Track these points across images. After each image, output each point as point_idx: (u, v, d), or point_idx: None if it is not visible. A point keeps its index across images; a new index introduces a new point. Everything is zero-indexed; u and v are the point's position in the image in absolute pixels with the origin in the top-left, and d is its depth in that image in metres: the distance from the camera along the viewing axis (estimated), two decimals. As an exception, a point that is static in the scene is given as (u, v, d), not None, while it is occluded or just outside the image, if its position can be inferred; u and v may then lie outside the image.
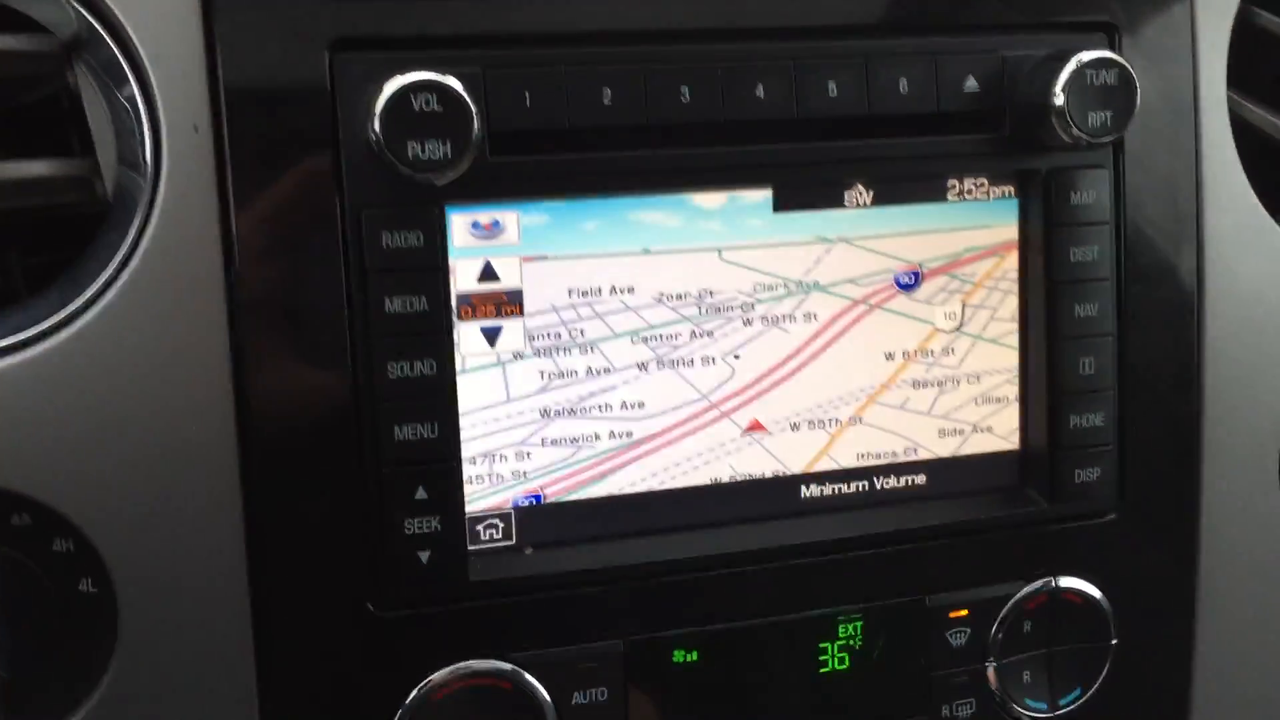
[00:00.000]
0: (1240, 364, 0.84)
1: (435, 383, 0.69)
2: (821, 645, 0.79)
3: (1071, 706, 0.83)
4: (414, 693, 0.71)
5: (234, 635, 0.68)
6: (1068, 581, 0.82)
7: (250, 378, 0.67)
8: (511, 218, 0.72)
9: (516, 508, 0.75)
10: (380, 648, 0.71)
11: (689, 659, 0.77)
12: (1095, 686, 0.83)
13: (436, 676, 0.72)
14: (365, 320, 0.68)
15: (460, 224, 0.71)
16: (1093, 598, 0.82)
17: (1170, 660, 0.86)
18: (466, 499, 0.73)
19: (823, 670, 0.79)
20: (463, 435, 0.72)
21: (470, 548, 0.73)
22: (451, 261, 0.71)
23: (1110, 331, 0.80)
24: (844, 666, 0.80)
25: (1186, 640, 0.86)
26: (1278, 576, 0.87)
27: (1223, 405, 0.84)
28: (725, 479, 0.78)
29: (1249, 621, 0.87)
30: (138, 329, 0.66)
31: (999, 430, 0.82)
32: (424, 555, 0.70)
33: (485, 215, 0.72)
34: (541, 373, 0.74)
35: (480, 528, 0.74)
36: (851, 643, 0.80)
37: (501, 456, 0.74)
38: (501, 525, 0.74)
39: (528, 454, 0.74)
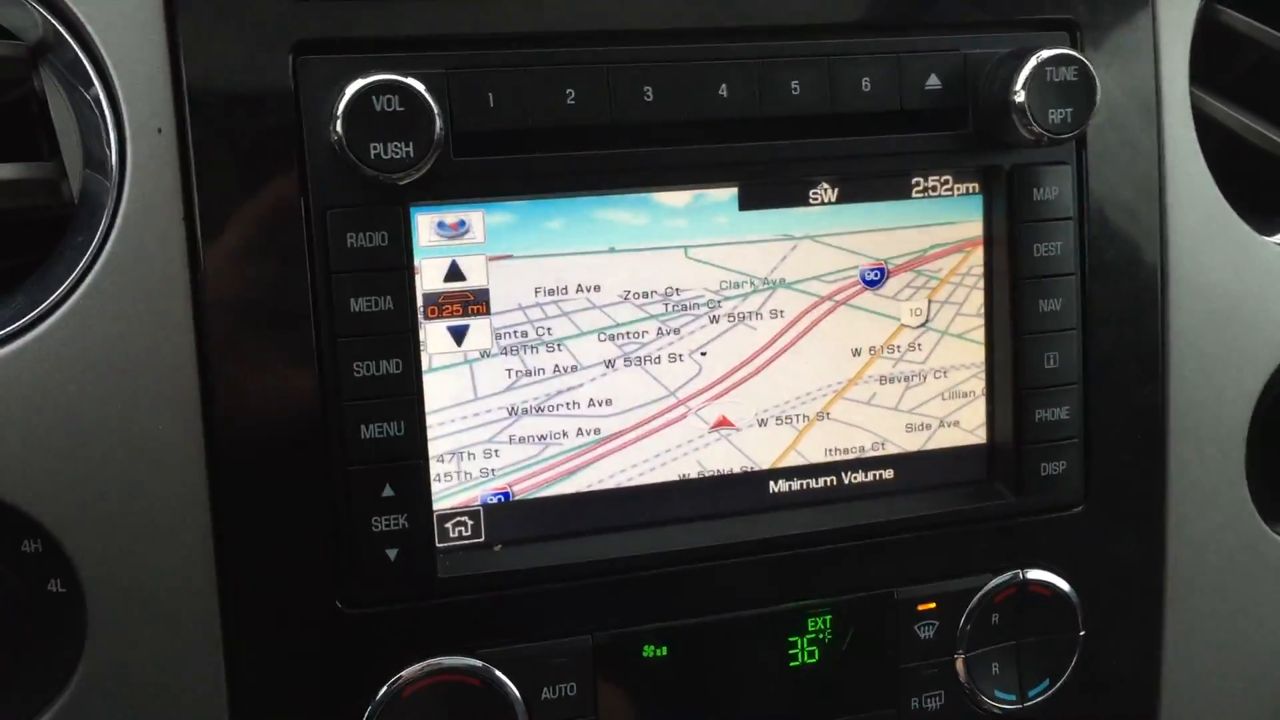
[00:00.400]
0: (1205, 356, 0.85)
1: (401, 381, 0.70)
2: (791, 639, 0.80)
3: (1040, 698, 0.84)
4: (383, 690, 0.72)
5: (203, 633, 0.69)
6: (1036, 574, 0.82)
7: (217, 378, 0.67)
8: (477, 217, 0.73)
9: (485, 505, 0.75)
10: (349, 645, 0.71)
11: (658, 654, 0.77)
12: (1064, 678, 0.84)
13: (406, 673, 0.72)
14: (331, 320, 0.69)
15: (425, 224, 0.72)
16: (1061, 589, 0.83)
17: (1139, 651, 0.87)
18: (434, 497, 0.73)
19: (792, 664, 0.80)
20: (430, 434, 0.72)
21: (439, 545, 0.74)
22: (417, 261, 0.72)
23: (1074, 326, 0.81)
24: (813, 660, 0.80)
25: (1155, 631, 0.86)
26: (1245, 567, 0.87)
27: (1188, 397, 0.84)
28: (693, 475, 0.78)
29: (1217, 612, 0.88)
30: (104, 330, 0.66)
31: (966, 425, 0.83)
32: (392, 553, 0.70)
33: (450, 215, 0.72)
34: (509, 371, 0.74)
35: (449, 525, 0.74)
36: (821, 636, 0.80)
37: (469, 454, 0.74)
38: (470, 523, 0.75)
39: (495, 452, 0.75)
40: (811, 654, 0.80)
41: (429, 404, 0.72)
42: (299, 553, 0.70)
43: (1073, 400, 0.81)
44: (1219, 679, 0.89)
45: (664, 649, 0.77)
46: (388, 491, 0.70)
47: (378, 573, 0.71)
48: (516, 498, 0.76)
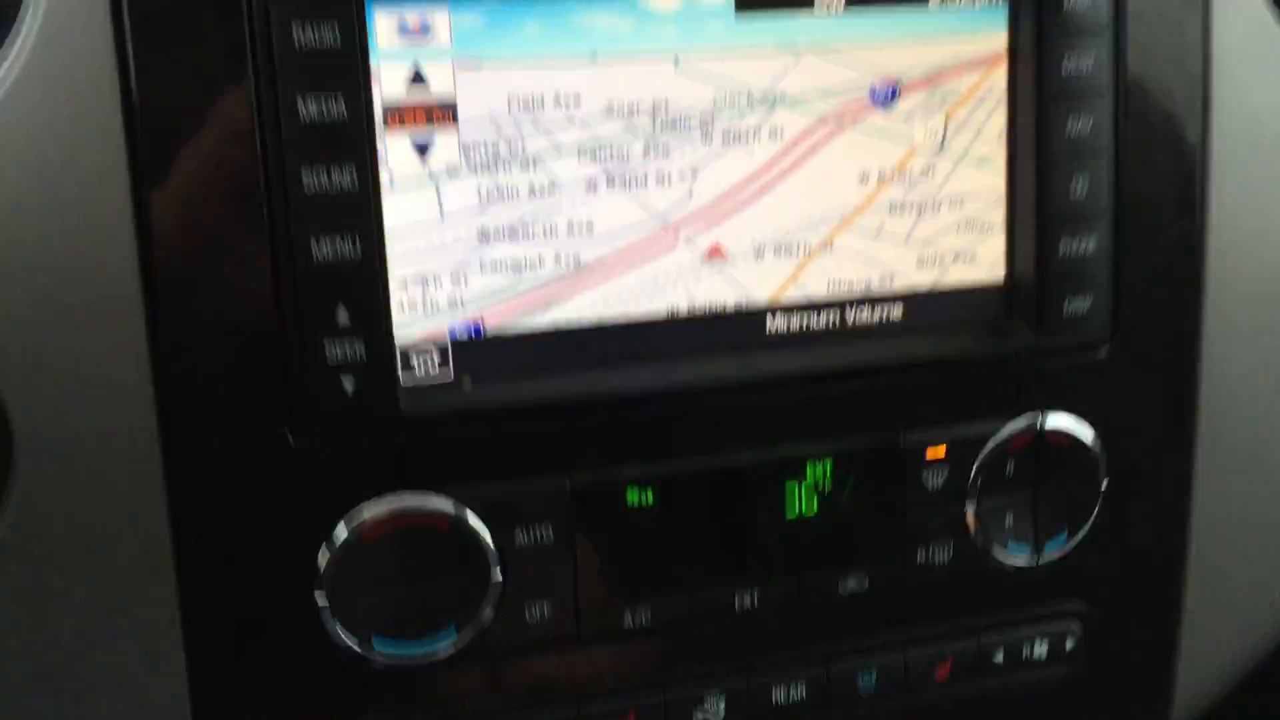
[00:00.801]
0: (1248, 188, 0.77)
1: (357, 195, 0.64)
2: (788, 487, 0.74)
3: (1057, 553, 0.78)
4: (342, 533, 0.67)
5: (143, 466, 0.63)
6: (1055, 420, 0.76)
7: (151, 190, 0.61)
8: (442, 17, 0.66)
9: (454, 338, 0.69)
10: (302, 483, 0.66)
11: (643, 500, 0.72)
12: (1082, 533, 0.78)
13: (367, 516, 0.67)
14: (276, 125, 0.62)
15: (385, 24, 0.65)
16: (1082, 438, 0.77)
17: (1165, 505, 0.81)
18: (398, 327, 0.67)
19: (789, 515, 0.74)
20: (392, 257, 0.66)
21: (403, 380, 0.68)
22: (376, 65, 0.65)
23: (1106, 149, 0.73)
24: (812, 511, 0.75)
25: (1183, 484, 0.80)
26: (1282, 417, 0.81)
27: (1228, 232, 0.77)
28: (683, 310, 0.72)
29: (1250, 465, 0.82)
30: (26, 137, 0.60)
31: (983, 259, 0.76)
32: (348, 383, 0.65)
33: (412, 14, 0.65)
34: (479, 190, 0.68)
35: (414, 359, 0.69)
36: (820, 485, 0.74)
37: (436, 281, 0.68)
38: (438, 357, 0.69)
39: (465, 279, 0.69)
40: (810, 504, 0.75)
41: (390, 224, 0.66)
42: (245, 380, 0.64)
43: (1101, 231, 0.74)
44: (1252, 536, 0.83)
45: (649, 495, 0.72)
46: (342, 316, 0.64)
47: (333, 405, 0.65)
48: (488, 330, 0.69)
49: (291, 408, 0.65)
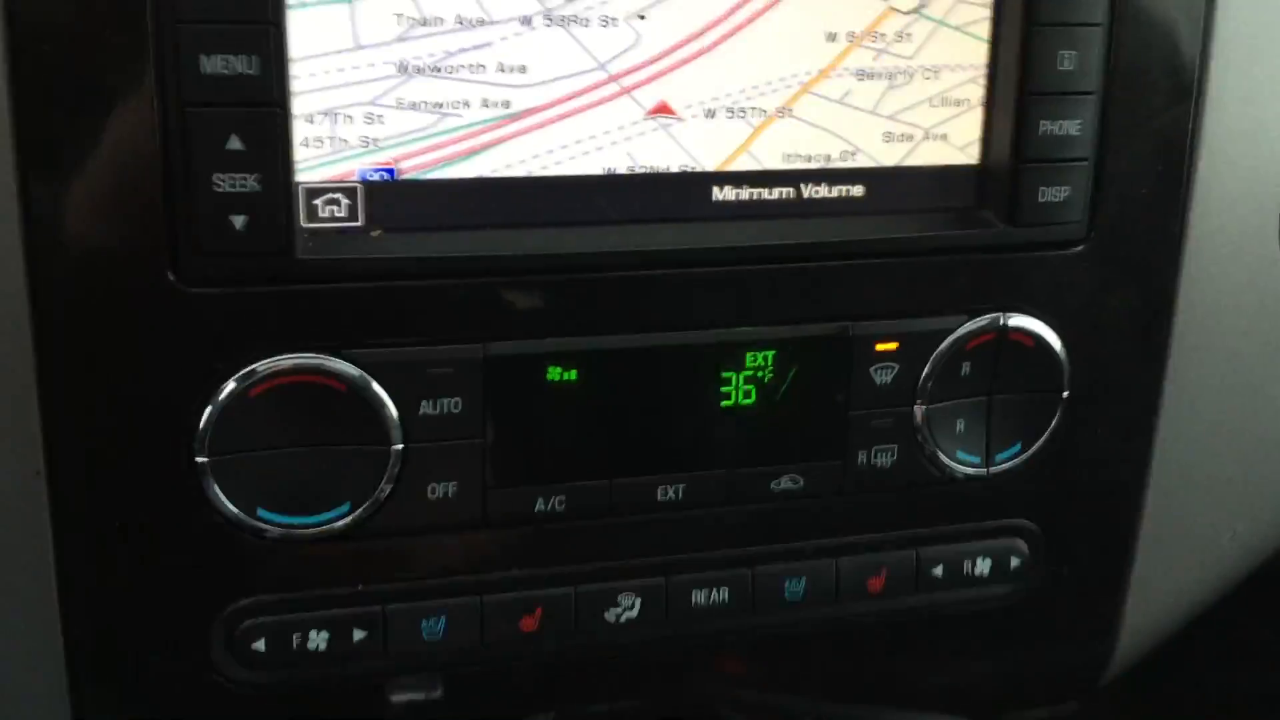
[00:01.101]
0: (1250, 78, 0.71)
1: (255, 4, 0.56)
2: (725, 375, 0.68)
3: (1008, 463, 0.73)
4: (227, 387, 0.60)
5: (6, 309, 0.57)
6: (1019, 320, 0.70)
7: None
8: None
9: (364, 181, 0.62)
10: (184, 330, 0.59)
11: (566, 377, 0.65)
12: (1038, 444, 0.73)
13: (260, 367, 0.60)
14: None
15: None
16: (1046, 341, 0.71)
17: (1129, 423, 0.75)
18: (301, 165, 0.60)
19: (724, 404, 0.68)
20: (296, 85, 0.59)
21: (305, 224, 0.61)
22: None
23: (1099, 21, 0.66)
24: (749, 401, 0.68)
25: (1150, 402, 0.75)
26: (1266, 335, 0.75)
27: (1223, 125, 0.71)
28: (622, 170, 0.65)
29: (1223, 388, 0.76)
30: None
31: (956, 140, 0.69)
32: (238, 220, 0.58)
33: None
34: (399, 17, 0.60)
35: (318, 202, 0.62)
36: (760, 374, 0.68)
37: (346, 117, 0.61)
38: (346, 201, 0.62)
39: (380, 117, 0.61)
40: (748, 394, 0.68)
41: (295, 49, 0.59)
42: (124, 215, 0.57)
43: (1086, 114, 0.67)
44: (1217, 464, 0.78)
45: (573, 372, 0.65)
46: (234, 143, 0.57)
47: (220, 244, 0.58)
48: (404, 176, 0.63)
49: (175, 247, 0.58)
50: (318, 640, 0.66)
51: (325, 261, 0.60)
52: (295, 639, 0.65)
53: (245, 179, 0.57)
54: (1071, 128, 0.67)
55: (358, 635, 0.66)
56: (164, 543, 0.63)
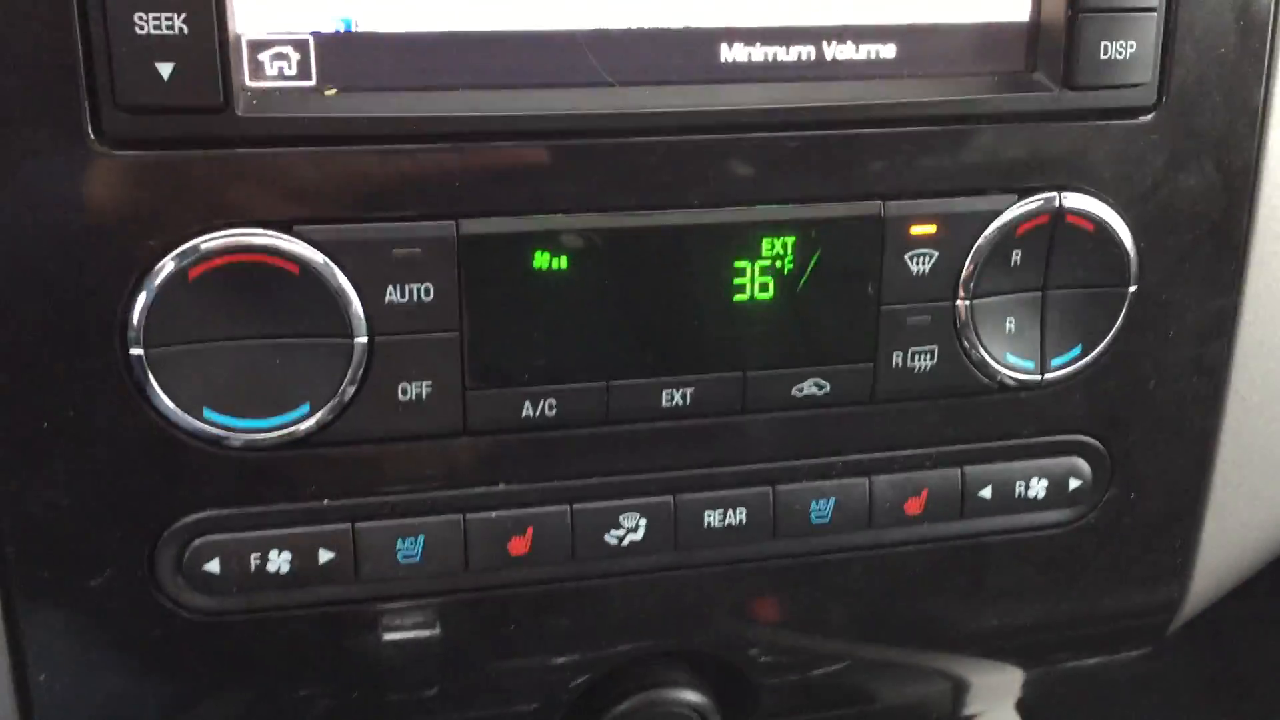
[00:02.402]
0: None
1: None
2: (738, 265, 0.60)
3: (1066, 369, 0.64)
4: (163, 268, 0.53)
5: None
6: (1076, 201, 0.61)
7: None
8: None
9: (317, 34, 0.54)
10: (111, 199, 0.52)
11: (554, 265, 0.57)
12: (1101, 346, 0.64)
13: (196, 245, 0.53)
14: None
15: None
16: (1109, 226, 0.62)
17: (1205, 323, 0.66)
18: (244, 14, 0.53)
19: (737, 298, 0.60)
20: (236, -83, 0.52)
21: (250, 82, 0.53)
22: None
23: None
24: (766, 295, 0.60)
25: (1230, 298, 0.65)
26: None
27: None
28: (615, 25, 0.57)
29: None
30: None
31: (1003, -8, 0.61)
32: (164, 68, 0.50)
33: None
34: None
35: (264, 57, 0.54)
36: (778, 264, 0.60)
37: (296, -43, 0.53)
38: (295, 56, 0.54)
39: (335, -41, 0.54)
40: (764, 287, 0.60)
41: (235, -128, 0.51)
42: (32, 58, 0.50)
43: (1157, -43, 0.58)
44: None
45: (562, 259, 0.57)
46: (159, -20, 0.49)
47: (144, 96, 0.51)
48: (361, 29, 0.55)
49: (94, 100, 0.51)
50: (279, 562, 0.59)
51: (270, 120, 0.53)
52: (253, 560, 0.59)
53: (172, 19, 0.50)
54: (1140, -27, 0.58)
55: (324, 557, 0.59)
56: (99, 448, 0.56)
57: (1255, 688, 0.98)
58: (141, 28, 0.50)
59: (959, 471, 0.65)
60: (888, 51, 0.60)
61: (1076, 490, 0.67)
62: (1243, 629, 0.96)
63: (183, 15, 0.50)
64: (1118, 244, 0.62)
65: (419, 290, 0.56)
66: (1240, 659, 0.99)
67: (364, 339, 0.56)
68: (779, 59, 0.59)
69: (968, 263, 0.61)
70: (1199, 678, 0.98)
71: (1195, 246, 0.64)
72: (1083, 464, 0.67)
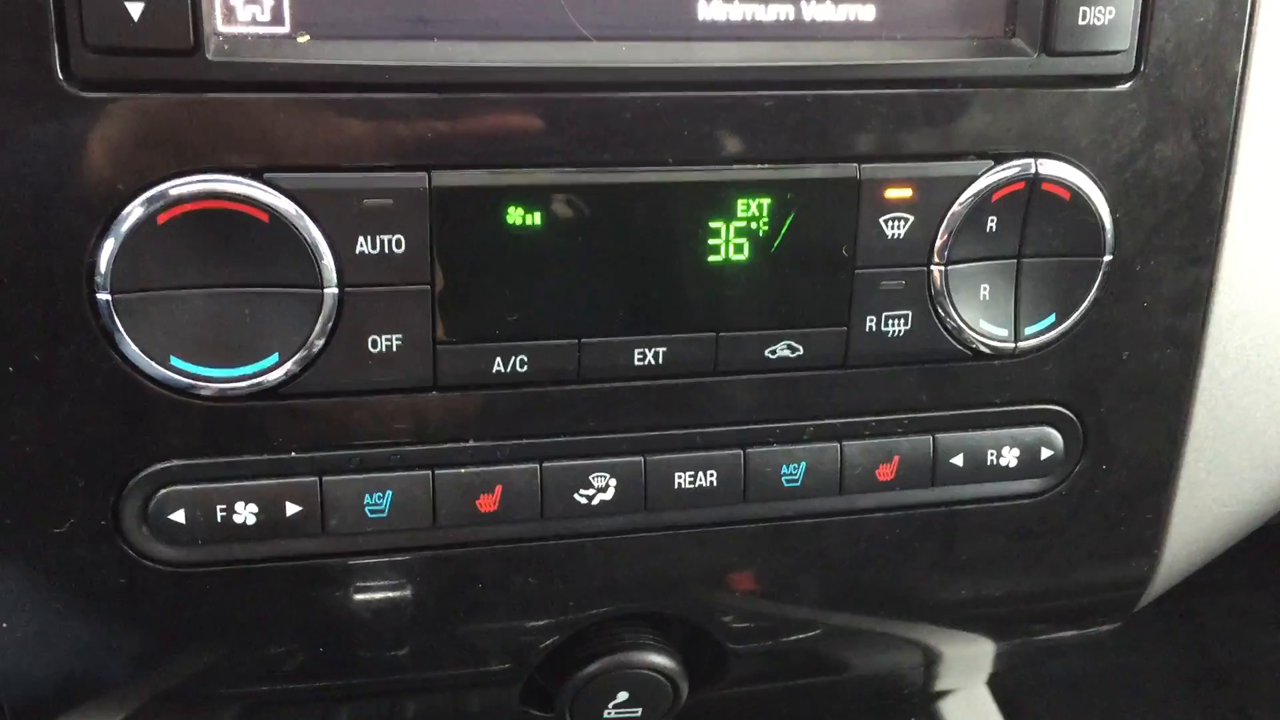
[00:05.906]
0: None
1: None
2: (712, 225, 0.59)
3: (1040, 338, 0.64)
4: (132, 212, 0.52)
5: None
6: (1053, 168, 0.61)
7: None
8: None
9: (291, -19, 0.54)
10: (76, 137, 0.51)
11: (527, 221, 0.57)
12: (1075, 315, 0.64)
13: (164, 190, 0.52)
14: None
15: None
16: (1085, 194, 0.62)
17: (1180, 293, 0.66)
18: (213, -44, 0.52)
19: (711, 258, 0.60)
20: None
21: (222, 27, 0.53)
22: None
23: None
24: (742, 257, 0.60)
25: (1205, 270, 0.65)
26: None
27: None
28: (593, -22, 0.57)
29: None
30: None
31: (983, -46, 0.60)
32: (134, 8, 0.50)
33: None
34: None
35: (238, 1, 0.53)
36: (754, 225, 0.60)
37: (270, -100, 0.53)
38: (270, 2, 0.54)
39: (310, -99, 0.53)
40: (739, 248, 0.60)
41: None
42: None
43: (1136, -81, 0.58)
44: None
45: (537, 215, 0.57)
46: (129, -83, 0.49)
47: (114, 37, 0.50)
48: (338, -24, 0.54)
49: (64, 40, 0.50)
50: (245, 514, 0.59)
51: (241, 65, 0.52)
52: (219, 511, 0.58)
53: (143, -41, 0.49)
54: (1119, -66, 0.57)
55: (291, 510, 0.59)
56: (64, 394, 0.55)
57: (1234, 679, 0.98)
58: (112, -32, 0.49)
59: (931, 439, 0.65)
60: (866, 13, 0.59)
61: (1048, 460, 0.67)
62: (1222, 622, 0.96)
63: (153, -45, 0.49)
64: (1093, 213, 0.62)
65: (390, 242, 0.55)
66: (1220, 651, 0.99)
67: (334, 290, 0.55)
68: (757, 18, 0.58)
69: (943, 228, 0.61)
70: (1179, 670, 0.99)
71: (1171, 217, 0.64)
72: (1055, 434, 0.67)
